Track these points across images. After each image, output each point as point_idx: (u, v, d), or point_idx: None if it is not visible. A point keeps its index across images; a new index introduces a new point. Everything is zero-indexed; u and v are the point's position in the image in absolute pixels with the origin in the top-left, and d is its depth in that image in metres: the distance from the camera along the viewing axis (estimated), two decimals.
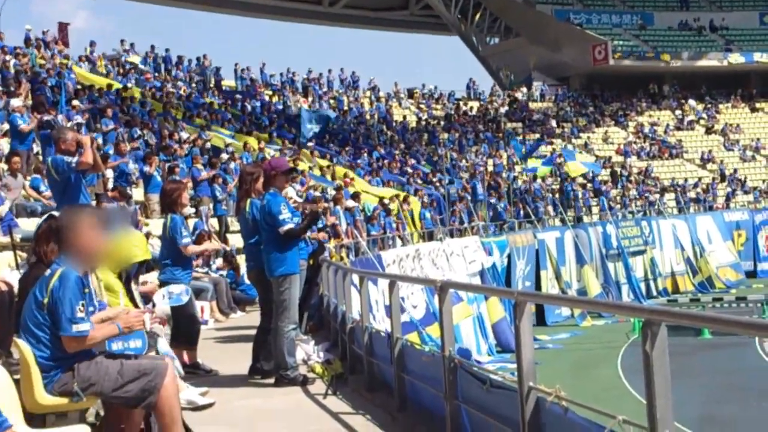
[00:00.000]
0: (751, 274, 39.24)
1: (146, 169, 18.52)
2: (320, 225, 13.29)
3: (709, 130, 52.52)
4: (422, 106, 47.90)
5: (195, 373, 8.60)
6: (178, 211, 8.93)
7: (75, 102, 21.81)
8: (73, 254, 4.94)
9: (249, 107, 34.93)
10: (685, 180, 45.69)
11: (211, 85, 36.96)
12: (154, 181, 18.48)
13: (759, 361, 21.69)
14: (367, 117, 42.63)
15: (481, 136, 44.49)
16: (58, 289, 4.78)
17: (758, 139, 51.59)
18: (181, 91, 32.42)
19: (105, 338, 5.03)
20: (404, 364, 6.87)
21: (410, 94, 49.24)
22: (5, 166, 14.24)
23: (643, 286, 33.77)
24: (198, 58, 38.48)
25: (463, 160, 38.65)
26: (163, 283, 8.90)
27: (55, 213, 6.43)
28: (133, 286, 6.47)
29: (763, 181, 47.01)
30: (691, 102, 54.76)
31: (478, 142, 43.19)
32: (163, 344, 7.48)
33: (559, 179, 38.80)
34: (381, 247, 21.38)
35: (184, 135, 23.64)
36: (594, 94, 55.14)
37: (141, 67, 34.14)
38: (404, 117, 45.08)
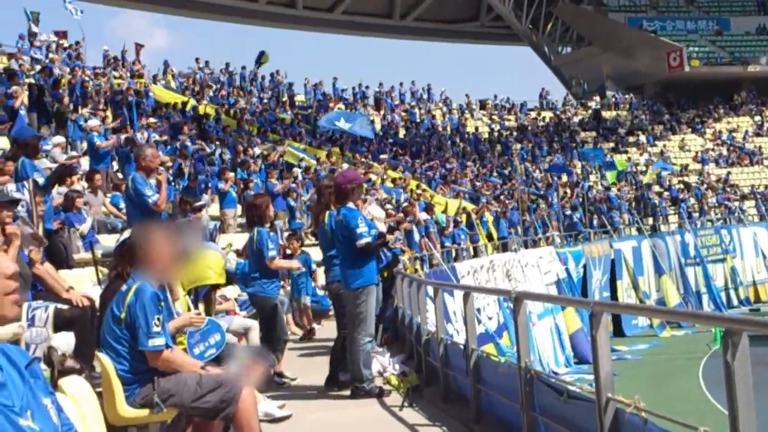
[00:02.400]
0: None
1: (221, 185, 18.78)
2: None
3: None
4: (494, 117, 47.73)
5: (270, 385, 8.69)
6: (265, 224, 9.07)
7: (152, 120, 22.25)
8: (147, 269, 5.04)
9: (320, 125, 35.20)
10: (766, 187, 44.64)
11: (284, 100, 37.36)
12: (230, 197, 18.74)
13: None
14: (440, 129, 42.65)
15: (554, 146, 44.16)
16: (134, 303, 4.88)
17: None
18: (255, 107, 32.84)
19: (185, 369, 5.09)
20: (480, 375, 6.84)
21: (482, 105, 49.12)
22: (86, 184, 14.58)
23: (723, 295, 33.08)
24: (272, 74, 38.96)
25: (537, 171, 38.39)
26: (251, 296, 9.05)
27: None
28: (201, 306, 6.56)
29: None
30: None
31: (552, 153, 42.86)
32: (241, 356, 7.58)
33: (634, 188, 38.26)
34: (455, 258, 21.34)
35: (257, 150, 23.93)
36: (669, 102, 54.26)
37: (215, 84, 34.72)
38: (476, 128, 44.97)
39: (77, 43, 29.81)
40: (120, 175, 17.53)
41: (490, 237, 25.48)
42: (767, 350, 22.12)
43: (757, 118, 52.84)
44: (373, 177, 25.44)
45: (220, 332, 5.98)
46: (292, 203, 20.15)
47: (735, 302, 33.41)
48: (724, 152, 48.50)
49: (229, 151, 23.43)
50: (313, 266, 14.51)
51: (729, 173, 45.55)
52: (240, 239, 14.30)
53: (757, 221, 38.35)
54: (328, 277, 9.12)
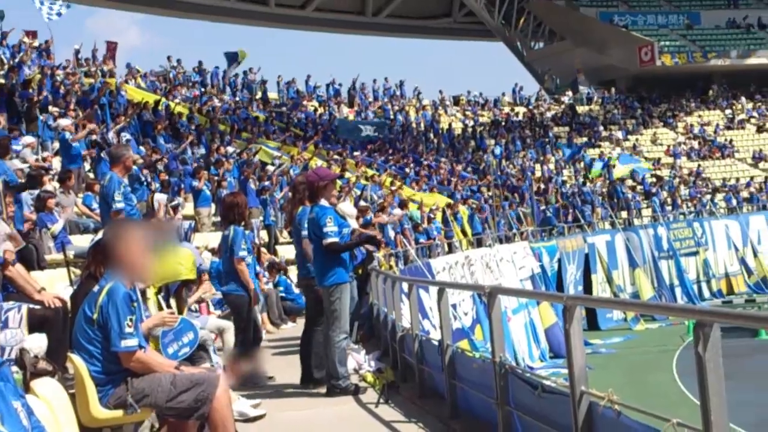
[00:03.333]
0: None
1: (195, 183, 18.70)
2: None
3: (760, 129, 51.69)
4: (468, 112, 47.81)
5: (245, 385, 8.68)
6: (242, 223, 9.06)
7: (122, 118, 22.11)
8: (120, 269, 5.01)
9: (294, 119, 35.14)
10: (737, 180, 45.05)
11: (257, 98, 37.24)
12: (204, 195, 18.67)
13: None
14: (413, 125, 42.68)
15: (528, 141, 44.32)
16: (106, 304, 4.85)
17: None
18: (228, 105, 32.72)
19: (158, 369, 5.06)
20: (455, 371, 6.86)
21: (456, 101, 49.19)
22: (58, 185, 14.47)
23: (696, 287, 33.38)
24: (244, 72, 38.83)
25: (511, 166, 38.51)
26: (225, 294, 9.02)
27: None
28: (172, 301, 6.54)
29: None
30: (742, 101, 53.97)
31: (525, 148, 43.01)
32: (214, 358, 7.57)
33: (608, 182, 38.48)
34: (430, 254, 21.38)
35: (231, 149, 23.85)
36: (641, 96, 54.59)
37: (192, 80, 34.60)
38: (450, 124, 45.03)
39: (47, 42, 29.56)
40: (92, 175, 17.41)
41: (464, 233, 25.53)
42: (740, 342, 22.33)
43: (728, 111, 53.27)
44: (348, 174, 25.44)
45: (193, 330, 5.96)
46: (267, 201, 20.10)
47: (707, 295, 33.70)
48: (696, 146, 48.87)
49: (203, 150, 23.33)
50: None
51: (700, 167, 45.90)
52: (215, 238, 14.24)
53: (729, 214, 38.69)
54: (300, 272, 9.11)
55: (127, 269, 5.04)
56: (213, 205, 18.74)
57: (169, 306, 8.19)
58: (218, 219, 17.24)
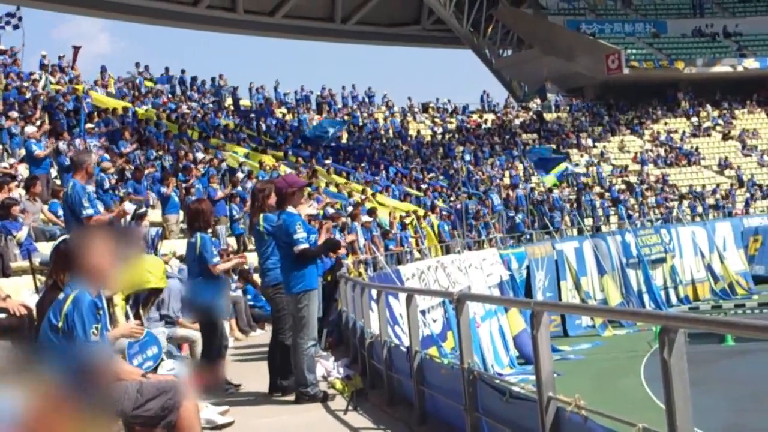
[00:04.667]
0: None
1: (163, 190, 18.60)
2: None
3: (725, 136, 52.29)
4: (437, 120, 47.94)
5: (212, 393, 8.64)
6: (208, 230, 9.01)
7: (89, 125, 21.95)
8: (85, 276, 4.95)
9: (264, 126, 35.06)
10: (703, 187, 45.51)
11: (227, 105, 37.14)
12: (172, 202, 18.57)
13: None
14: (382, 132, 42.74)
15: (496, 148, 44.52)
16: (72, 312, 4.79)
17: None
18: (197, 112, 32.56)
19: (125, 378, 5.02)
20: (424, 377, 6.86)
21: (425, 108, 49.31)
22: (24, 191, 14.34)
23: (663, 294, 33.63)
24: (213, 79, 38.69)
25: (479, 173, 38.64)
26: (189, 301, 8.96)
27: (68, 236, 6.47)
28: (141, 310, 6.49)
29: None
30: (707, 108, 54.57)
31: (494, 155, 43.19)
32: (181, 368, 7.51)
33: (575, 189, 38.70)
34: (399, 261, 21.39)
35: (200, 155, 23.75)
36: (609, 104, 55.03)
37: (158, 86, 34.37)
38: (419, 131, 45.12)
39: (12, 48, 29.26)
40: (59, 182, 17.27)
41: (433, 239, 25.57)
42: (707, 348, 22.55)
43: (694, 119, 53.82)
44: (316, 182, 25.40)
45: (157, 345, 5.92)
46: (235, 209, 20.02)
47: (675, 301, 33.97)
48: (662, 153, 49.33)
49: (171, 157, 23.21)
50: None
51: (664, 174, 46.29)
52: (183, 245, 14.16)
53: (696, 220, 39.05)
54: (264, 281, 9.08)
55: (93, 276, 4.99)
56: (181, 212, 18.65)
57: (138, 317, 8.11)
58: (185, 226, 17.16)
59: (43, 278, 8.48)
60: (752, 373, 21.33)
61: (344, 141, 38.77)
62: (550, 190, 36.32)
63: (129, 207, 14.44)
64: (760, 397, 18.90)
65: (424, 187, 32.24)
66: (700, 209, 41.09)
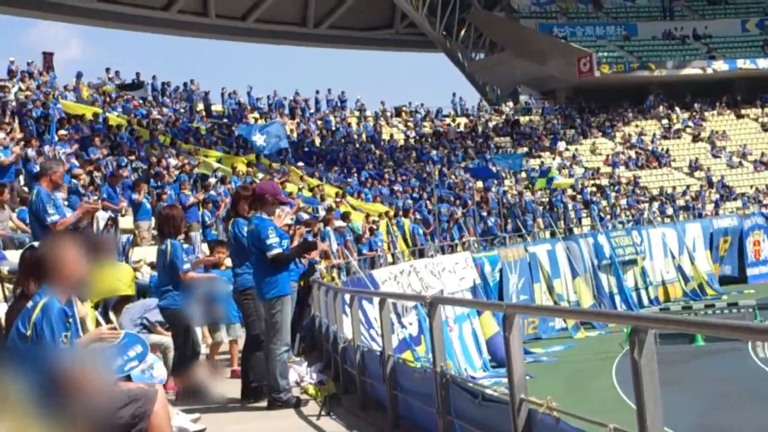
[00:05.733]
0: (741, 280, 39.35)
1: (135, 196, 18.47)
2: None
3: (695, 138, 52.76)
4: (410, 124, 48.01)
5: (184, 400, 8.59)
6: (178, 236, 8.97)
7: (62, 132, 21.79)
8: (55, 284, 4.90)
9: (236, 131, 34.93)
10: (674, 188, 45.86)
11: (199, 110, 36.98)
12: (144, 209, 18.44)
13: (753, 367, 21.73)
14: (355, 137, 42.74)
15: (470, 151, 44.62)
16: (41, 320, 4.73)
17: (744, 145, 51.83)
18: (168, 118, 32.40)
19: (96, 386, 4.98)
20: (397, 381, 6.86)
21: (397, 112, 49.35)
22: None
23: (635, 295, 33.88)
24: (185, 84, 38.54)
25: (452, 176, 38.72)
26: (163, 310, 8.90)
27: (35, 244, 6.41)
28: (112, 315, 6.46)
29: (751, 186, 47.19)
30: (677, 111, 55.04)
31: (467, 158, 43.30)
32: (159, 369, 7.47)
33: (548, 192, 38.89)
34: (372, 266, 21.39)
35: (172, 161, 23.62)
36: (581, 106, 55.36)
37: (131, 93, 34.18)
38: (392, 135, 45.16)
39: None
40: (27, 189, 17.11)
41: (407, 243, 25.59)
42: (677, 348, 22.75)
43: (665, 121, 54.25)
44: (290, 186, 25.33)
45: (141, 344, 5.87)
46: (207, 215, 19.91)
47: (646, 302, 34.22)
48: (633, 155, 49.68)
49: (142, 163, 23.07)
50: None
51: (635, 176, 46.61)
52: (155, 252, 14.09)
53: (666, 222, 39.36)
54: (233, 286, 9.06)
55: (63, 283, 4.94)
56: (153, 219, 18.54)
57: (108, 321, 8.06)
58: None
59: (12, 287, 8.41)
60: (722, 372, 21.57)
61: (317, 145, 38.74)
62: (520, 193, 36.47)
63: (103, 215, 14.36)
64: (730, 396, 19.11)
65: (397, 188, 32.25)
66: (670, 211, 41.43)
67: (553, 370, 22.32)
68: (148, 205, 18.67)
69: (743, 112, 55.71)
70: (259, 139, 23.56)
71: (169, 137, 28.28)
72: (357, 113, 46.86)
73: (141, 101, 33.81)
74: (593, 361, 23.72)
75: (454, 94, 53.59)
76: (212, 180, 22.53)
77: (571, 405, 4.42)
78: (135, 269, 13.68)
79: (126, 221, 18.41)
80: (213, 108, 38.79)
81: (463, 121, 50.66)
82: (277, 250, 8.02)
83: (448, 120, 49.92)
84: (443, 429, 5.65)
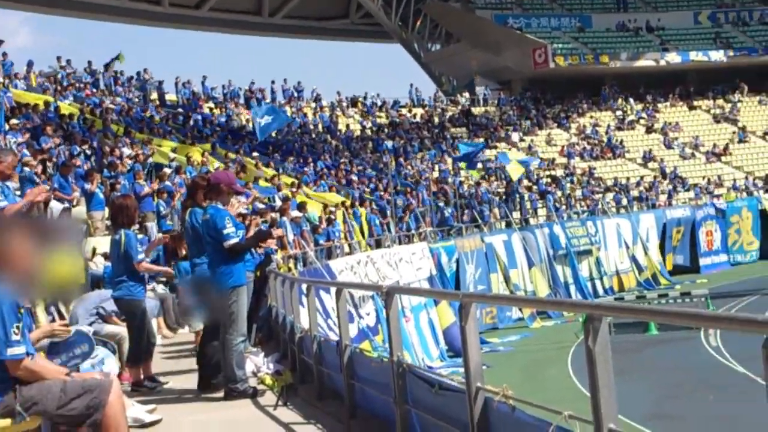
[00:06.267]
0: (693, 270, 39.88)
1: (87, 186, 18.25)
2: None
3: (649, 130, 53.33)
4: (366, 114, 47.96)
5: (139, 390, 8.54)
6: (132, 226, 8.89)
7: (13, 121, 21.45)
8: (4, 274, 4.81)
9: (191, 120, 34.66)
10: (628, 179, 46.32)
11: (153, 99, 36.62)
12: (96, 199, 18.23)
13: (705, 355, 22.04)
14: (311, 127, 42.61)
15: (426, 142, 44.68)
16: None
17: (697, 137, 52.49)
18: (121, 107, 32.03)
19: (48, 376, 4.91)
20: (354, 371, 6.86)
21: (353, 102, 49.27)
22: None
23: (589, 285, 34.20)
24: (138, 73, 38.13)
25: (409, 167, 38.77)
26: (117, 300, 8.82)
27: None
28: (62, 307, 6.39)
29: (703, 177, 47.82)
30: (631, 102, 55.60)
31: (423, 149, 43.36)
32: (110, 364, 7.40)
33: (504, 182, 39.07)
34: (329, 256, 21.37)
35: (126, 151, 23.36)
36: (536, 97, 55.69)
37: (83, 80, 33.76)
38: (348, 126, 45.09)
39: None
40: None
41: (363, 233, 25.59)
42: (631, 337, 22.99)
43: (619, 112, 54.77)
44: (245, 176, 25.17)
45: (88, 343, 5.81)
46: (162, 205, 19.73)
47: (601, 292, 34.56)
48: (588, 146, 50.09)
49: (95, 152, 22.79)
50: None
51: (590, 167, 47.00)
52: (108, 242, 13.96)
53: (622, 213, 39.76)
54: (191, 276, 9.00)
55: (14, 273, 4.85)
56: (106, 209, 18.33)
57: (61, 316, 7.97)
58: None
59: None
60: (675, 361, 21.87)
61: (273, 135, 38.54)
62: (478, 184, 36.60)
63: (56, 206, 14.19)
64: (682, 385, 19.39)
65: (353, 178, 32.22)
66: (624, 201, 41.86)
67: (510, 360, 22.49)
68: (101, 195, 18.46)
69: (696, 103, 56.44)
70: (262, 120, 23.56)
71: (122, 126, 27.96)
72: (313, 103, 46.72)
73: (94, 90, 33.42)
74: (549, 350, 23.93)
75: (411, 85, 53.67)
76: (167, 170, 22.32)
77: (527, 394, 4.45)
78: (88, 260, 13.57)
79: (79, 211, 18.19)
80: (167, 97, 38.42)
81: (419, 111, 50.71)
82: (233, 240, 7.98)
83: (404, 110, 49.93)
84: (400, 418, 5.66)
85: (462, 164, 35.79)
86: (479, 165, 38.37)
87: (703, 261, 40.88)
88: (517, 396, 4.36)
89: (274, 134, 37.81)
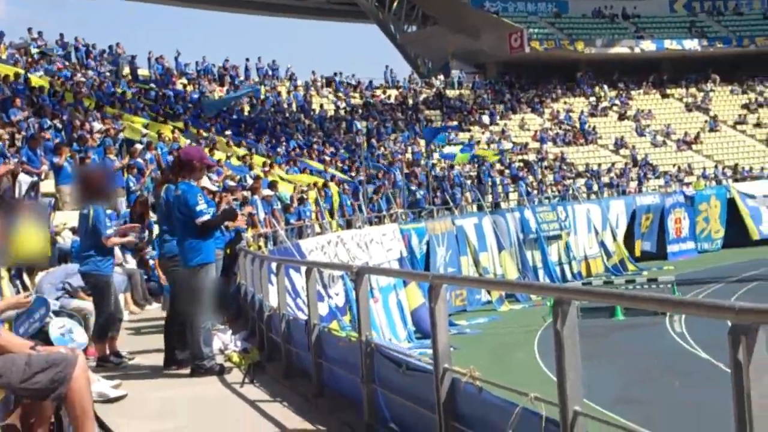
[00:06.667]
0: (661, 257, 40.18)
1: (56, 160, 18.06)
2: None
3: (621, 117, 53.59)
4: (340, 94, 47.79)
5: (105, 365, 8.50)
6: (102, 201, 8.81)
7: None
8: None
9: (163, 97, 34.37)
10: (599, 165, 46.55)
11: (125, 74, 36.26)
12: (65, 173, 18.05)
13: (670, 341, 22.25)
14: (285, 106, 42.41)
15: (399, 124, 44.62)
16: None
17: (669, 125, 52.84)
18: (93, 81, 31.69)
19: (12, 349, 4.86)
20: (322, 350, 6.86)
21: (328, 82, 49.06)
22: None
23: (558, 270, 34.39)
24: (110, 47, 37.73)
25: (382, 148, 38.72)
26: (84, 274, 8.75)
27: None
28: (26, 279, 6.35)
29: (674, 165, 48.15)
30: (605, 88, 55.80)
31: (397, 130, 43.31)
32: (79, 334, 7.35)
33: (476, 166, 39.13)
34: (300, 236, 21.33)
35: (97, 125, 23.14)
36: (511, 82, 55.74)
37: (56, 53, 33.34)
38: (322, 106, 44.93)
39: None
40: None
41: (332, 214, 25.54)
42: (598, 322, 23.13)
43: (592, 99, 54.98)
44: (218, 154, 25.05)
45: (44, 306, 5.77)
46: (132, 181, 19.58)
47: (569, 277, 34.76)
48: (561, 131, 50.26)
49: (65, 126, 22.56)
50: None
51: (563, 152, 47.20)
52: (76, 217, 13.83)
53: (592, 198, 39.98)
54: (160, 252, 8.94)
55: None
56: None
57: (25, 288, 7.90)
58: None
59: None
60: (640, 346, 22.06)
61: (246, 113, 38.35)
62: (451, 167, 36.64)
63: (25, 179, 14.04)
64: (648, 370, 19.58)
65: (326, 159, 32.13)
66: (595, 187, 42.10)
67: (477, 342, 22.57)
68: (70, 169, 18.28)
69: (668, 92, 56.78)
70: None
71: (93, 101, 27.68)
72: (287, 83, 46.48)
73: (66, 63, 33.05)
74: (516, 333, 24.06)
75: (386, 67, 53.50)
76: (138, 146, 22.15)
77: (494, 376, 4.47)
78: (56, 234, 13.45)
79: (47, 185, 18.01)
80: (139, 72, 38.04)
81: (393, 93, 50.60)
82: (205, 217, 7.94)
83: (378, 92, 49.80)
84: (367, 397, 5.66)
85: (432, 146, 35.69)
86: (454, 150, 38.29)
87: (670, 248, 41.18)
88: (484, 378, 4.37)
89: (247, 112, 37.69)
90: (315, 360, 6.86)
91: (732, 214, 43.26)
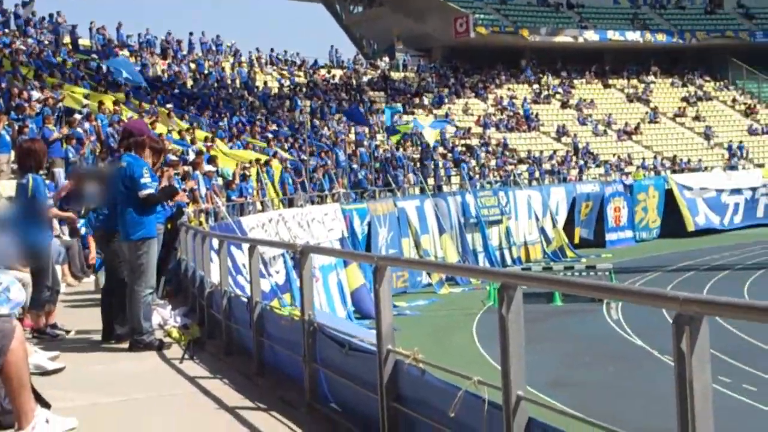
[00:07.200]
0: (598, 244, 40.74)
1: None
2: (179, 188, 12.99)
3: (564, 105, 54.11)
4: (284, 72, 47.46)
5: (42, 337, 8.38)
6: (40, 170, 8.66)
7: None
8: None
9: (104, 67, 33.78)
10: (541, 152, 46.97)
11: (65, 43, 35.55)
12: (3, 141, 17.71)
13: (605, 327, 22.63)
14: (228, 82, 42.00)
15: (343, 104, 44.48)
16: None
17: (610, 115, 53.52)
18: (32, 49, 31.03)
19: None
20: (264, 328, 6.83)
21: (272, 60, 48.69)
22: None
23: (498, 254, 34.69)
24: (51, 15, 36.97)
25: (325, 128, 38.59)
26: (19, 244, 8.59)
27: None
28: None
29: (614, 155, 48.80)
30: (548, 76, 56.26)
31: (341, 111, 43.18)
32: (16, 292, 7.19)
33: (419, 148, 39.22)
34: (241, 212, 21.20)
35: (35, 94, 22.69)
36: (456, 66, 55.88)
37: None
38: (266, 83, 44.60)
39: None
40: None
41: (276, 191, 25.42)
42: (537, 307, 23.45)
43: (536, 86, 55.39)
44: (160, 127, 24.73)
45: None
46: (71, 152, 19.26)
47: (509, 261, 35.10)
48: (504, 118, 50.57)
49: (3, 95, 22.08)
50: None
51: (505, 138, 47.50)
52: (13, 186, 13.56)
53: (534, 185, 40.37)
54: (98, 225, 8.82)
55: None
56: (13, 152, 17.81)
57: None
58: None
59: None
60: (577, 332, 22.42)
61: (189, 87, 37.89)
62: (397, 148, 36.71)
63: None
64: (583, 353, 19.93)
65: (269, 136, 31.90)
66: (537, 174, 42.49)
67: (417, 324, 22.70)
68: (8, 138, 17.94)
69: (610, 82, 57.49)
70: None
71: (32, 69, 27.13)
72: (231, 58, 46.03)
73: (4, 31, 32.32)
74: (455, 316, 24.25)
75: (332, 47, 53.22)
76: (77, 116, 21.77)
77: (433, 358, 4.49)
78: None
79: None
80: (80, 42, 37.32)
81: (338, 73, 50.40)
82: (149, 190, 7.87)
83: (323, 71, 49.57)
84: (309, 376, 5.65)
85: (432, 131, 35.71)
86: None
87: (609, 236, 41.77)
88: (426, 359, 4.38)
89: (190, 86, 37.21)
90: (256, 338, 6.83)
91: (669, 204, 44.00)
